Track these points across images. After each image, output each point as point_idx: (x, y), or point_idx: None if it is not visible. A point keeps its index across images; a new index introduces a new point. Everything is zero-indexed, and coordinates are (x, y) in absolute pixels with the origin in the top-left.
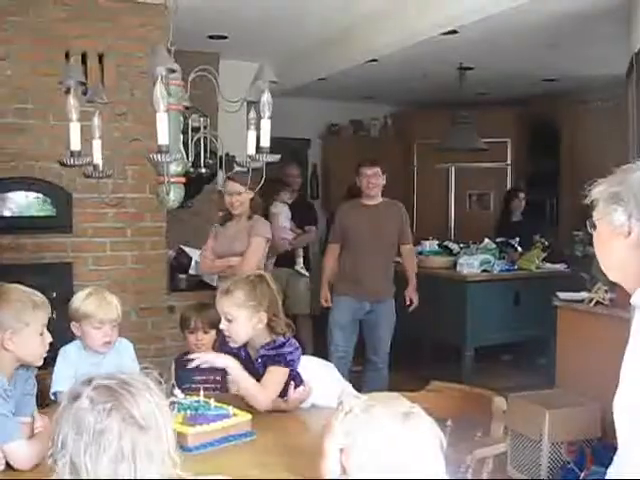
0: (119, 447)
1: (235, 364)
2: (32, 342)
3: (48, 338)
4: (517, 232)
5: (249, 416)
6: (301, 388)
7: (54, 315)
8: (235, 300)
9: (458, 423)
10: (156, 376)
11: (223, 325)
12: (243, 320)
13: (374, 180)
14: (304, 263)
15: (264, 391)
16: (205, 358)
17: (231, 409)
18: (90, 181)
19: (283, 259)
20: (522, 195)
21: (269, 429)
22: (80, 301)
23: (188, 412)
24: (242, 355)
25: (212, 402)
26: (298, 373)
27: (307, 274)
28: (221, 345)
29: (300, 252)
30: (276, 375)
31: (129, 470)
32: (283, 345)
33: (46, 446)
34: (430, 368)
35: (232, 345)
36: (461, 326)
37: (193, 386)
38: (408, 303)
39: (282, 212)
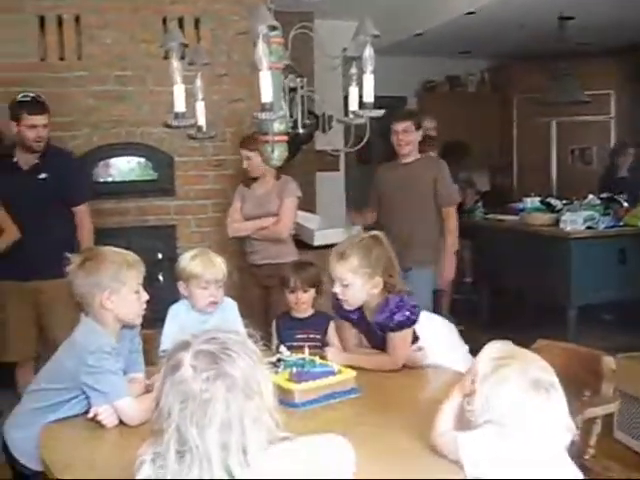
0: (226, 416)
1: (342, 358)
2: (129, 300)
3: (144, 296)
4: (623, 188)
5: (354, 373)
6: (415, 347)
7: (161, 276)
8: (350, 266)
9: (566, 382)
10: (254, 334)
11: (337, 289)
12: (358, 286)
13: (404, 137)
14: None
15: (391, 360)
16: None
17: (336, 366)
18: (191, 144)
19: None
20: (631, 150)
21: (376, 387)
22: (187, 262)
23: (294, 369)
24: (354, 318)
25: (317, 359)
26: (414, 329)
27: None
28: (334, 308)
29: None
30: (400, 339)
31: (237, 438)
32: (398, 308)
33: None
34: (534, 327)
35: (347, 308)
36: (565, 284)
37: (295, 344)
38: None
39: None
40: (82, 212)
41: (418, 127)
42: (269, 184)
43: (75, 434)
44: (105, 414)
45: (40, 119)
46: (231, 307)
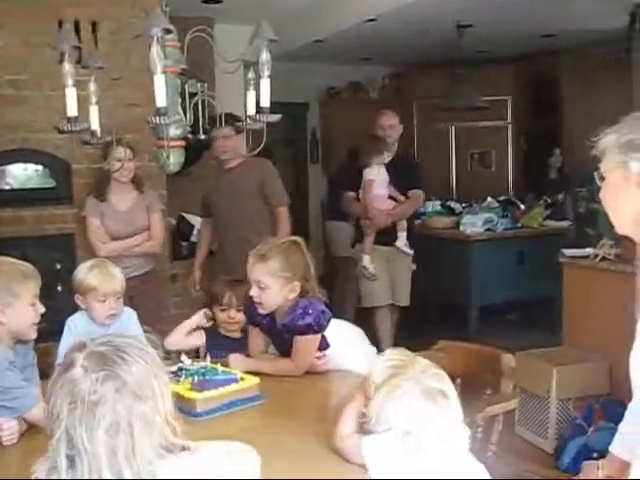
0: (114, 418)
1: (244, 364)
2: (24, 314)
3: (41, 309)
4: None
5: (257, 380)
6: (321, 354)
7: (59, 287)
8: (269, 268)
9: (467, 381)
10: (154, 340)
11: (254, 292)
12: (276, 289)
13: (224, 143)
14: (408, 238)
15: (293, 365)
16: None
17: (239, 373)
18: (88, 151)
19: (383, 235)
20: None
21: (280, 393)
22: (83, 274)
23: (196, 378)
24: (264, 323)
25: (219, 367)
26: (324, 337)
27: (411, 252)
28: (248, 310)
29: (403, 225)
30: (303, 344)
31: (126, 441)
32: (306, 312)
33: None
34: (436, 329)
35: (260, 312)
36: (465, 286)
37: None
38: None
39: (379, 176)
40: None
41: (238, 132)
42: (131, 198)
43: None
44: (8, 431)
45: None
46: (129, 316)
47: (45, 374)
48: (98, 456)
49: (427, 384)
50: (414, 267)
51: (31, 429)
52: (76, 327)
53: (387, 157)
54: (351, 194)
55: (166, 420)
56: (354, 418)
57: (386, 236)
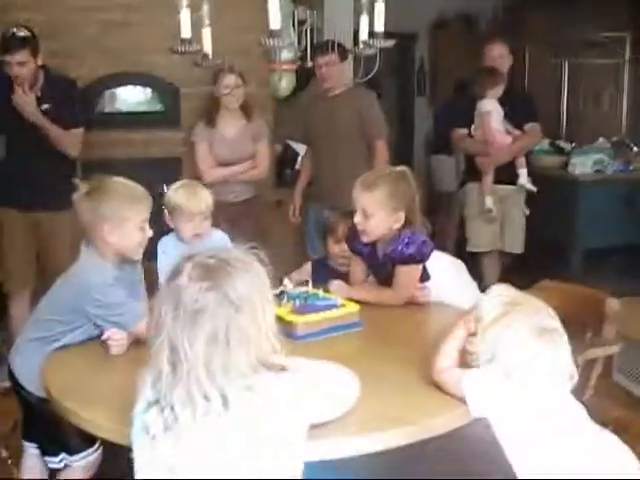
0: (213, 328)
1: (345, 291)
2: (132, 236)
3: (148, 233)
4: None
5: (357, 307)
6: (422, 285)
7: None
8: (376, 197)
9: (568, 323)
10: (262, 257)
11: (358, 219)
12: (381, 218)
13: (326, 70)
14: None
15: (395, 294)
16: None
17: (339, 299)
18: (197, 75)
19: (499, 173)
20: None
21: (379, 322)
22: (171, 193)
23: (297, 302)
24: (365, 252)
25: (321, 292)
26: (425, 268)
27: (535, 189)
28: (351, 238)
29: (523, 161)
30: (405, 274)
31: (222, 351)
32: (409, 242)
33: None
34: (538, 269)
35: (363, 240)
36: (571, 227)
37: None
38: None
39: (494, 110)
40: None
41: (342, 59)
42: (239, 125)
43: (79, 361)
44: (115, 341)
45: (14, 57)
46: (222, 239)
47: (151, 292)
48: (196, 363)
49: (541, 323)
50: (527, 212)
51: (136, 343)
52: (166, 248)
53: (501, 90)
54: (463, 131)
55: (266, 336)
56: (454, 351)
57: (503, 174)
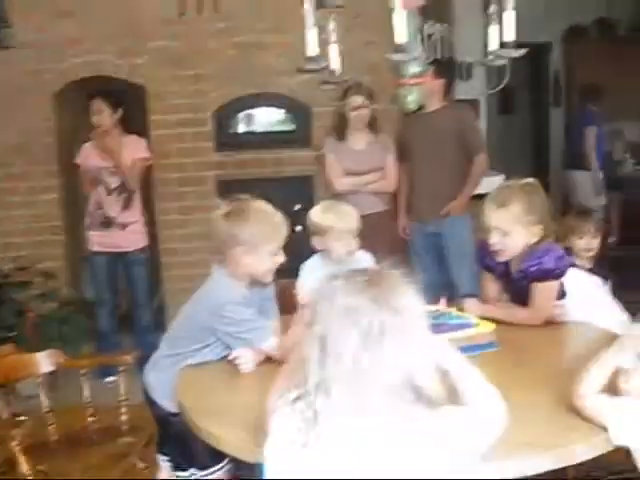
0: (369, 325)
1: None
2: (265, 261)
3: (281, 258)
4: None
5: (492, 326)
6: (559, 303)
7: (297, 227)
8: (511, 214)
9: None
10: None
11: (495, 239)
12: (520, 235)
13: None
14: None
15: (532, 313)
16: None
17: (474, 318)
18: (327, 93)
19: None
20: None
21: (515, 342)
22: (319, 216)
23: (430, 321)
24: (499, 270)
25: (454, 311)
26: (561, 285)
27: None
28: (479, 258)
29: None
30: (543, 291)
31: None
32: (545, 256)
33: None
34: None
35: (500, 259)
36: None
37: None
38: None
39: None
40: None
41: (436, 76)
42: (366, 138)
43: (210, 378)
44: (244, 359)
45: None
46: (365, 258)
47: (283, 310)
48: (346, 361)
49: None
50: None
51: (267, 361)
52: (313, 270)
53: None
54: None
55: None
56: (602, 378)
57: None
